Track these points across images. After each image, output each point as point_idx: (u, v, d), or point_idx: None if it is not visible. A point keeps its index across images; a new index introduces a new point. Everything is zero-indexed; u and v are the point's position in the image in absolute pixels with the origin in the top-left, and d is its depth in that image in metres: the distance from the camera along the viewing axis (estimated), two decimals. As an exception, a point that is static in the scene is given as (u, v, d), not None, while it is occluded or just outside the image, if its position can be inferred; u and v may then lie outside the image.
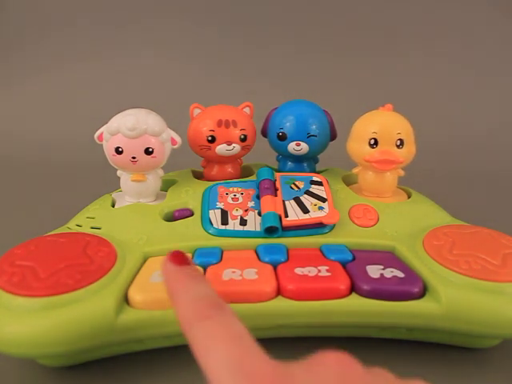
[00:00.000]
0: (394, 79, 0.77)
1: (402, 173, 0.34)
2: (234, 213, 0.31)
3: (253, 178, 0.35)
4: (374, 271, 0.26)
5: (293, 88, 0.64)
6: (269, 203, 0.30)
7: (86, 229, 0.30)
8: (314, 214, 0.30)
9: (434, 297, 0.25)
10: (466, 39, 0.77)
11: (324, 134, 0.35)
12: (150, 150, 0.31)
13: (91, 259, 0.25)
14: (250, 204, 0.32)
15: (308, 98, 0.37)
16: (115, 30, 0.78)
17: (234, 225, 0.30)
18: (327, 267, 0.26)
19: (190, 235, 0.30)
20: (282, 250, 0.28)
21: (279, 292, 0.25)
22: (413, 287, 0.25)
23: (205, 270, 0.26)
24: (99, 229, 0.30)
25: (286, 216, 0.30)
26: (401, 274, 0.26)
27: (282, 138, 0.35)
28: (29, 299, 0.22)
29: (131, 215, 0.31)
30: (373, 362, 0.18)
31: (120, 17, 0.78)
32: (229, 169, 0.36)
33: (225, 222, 0.30)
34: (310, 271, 0.26)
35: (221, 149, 0.34)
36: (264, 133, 0.37)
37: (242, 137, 0.34)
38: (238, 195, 0.32)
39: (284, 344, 0.24)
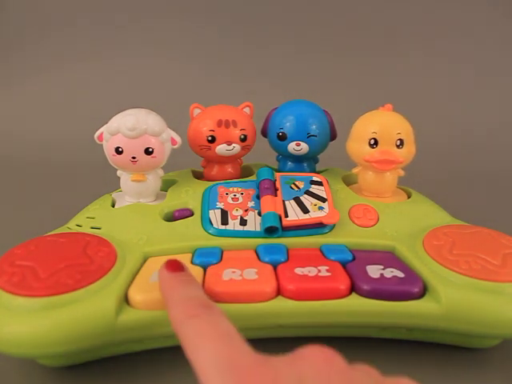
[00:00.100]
0: (394, 79, 0.76)
1: (401, 173, 0.34)
2: (234, 213, 0.31)
3: (253, 178, 0.35)
4: (373, 271, 0.26)
5: (293, 88, 0.64)
6: (269, 203, 0.30)
7: (86, 229, 0.30)
8: (314, 214, 0.30)
9: (433, 297, 0.25)
10: (466, 39, 0.77)
11: (324, 133, 0.35)
12: (150, 150, 0.31)
13: (91, 259, 0.25)
14: (250, 204, 0.32)
15: (308, 98, 0.37)
16: (115, 30, 0.78)
17: (234, 225, 0.30)
18: (327, 267, 0.26)
19: (190, 235, 0.30)
20: (282, 249, 0.28)
21: (279, 292, 0.25)
22: (413, 287, 0.25)
23: (205, 270, 0.26)
24: (99, 229, 0.30)
25: (286, 216, 0.30)
26: (401, 274, 0.26)
27: (282, 138, 0.35)
28: (29, 299, 0.22)
29: (131, 215, 0.31)
30: (373, 362, 0.18)
31: (120, 17, 0.78)
32: (229, 169, 0.36)
33: (225, 221, 0.30)
34: (310, 271, 0.26)
35: (221, 149, 0.34)
36: (264, 133, 0.37)
37: (242, 137, 0.34)
38: (238, 195, 0.32)
39: (284, 344, 0.24)
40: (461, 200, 0.48)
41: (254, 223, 0.30)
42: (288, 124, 0.35)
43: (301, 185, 0.33)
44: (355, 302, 0.25)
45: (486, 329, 0.24)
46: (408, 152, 0.32)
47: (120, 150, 0.31)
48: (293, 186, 0.33)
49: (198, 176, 0.37)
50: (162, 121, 0.32)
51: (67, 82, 0.77)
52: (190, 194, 0.33)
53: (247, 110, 0.36)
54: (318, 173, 0.37)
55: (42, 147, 0.68)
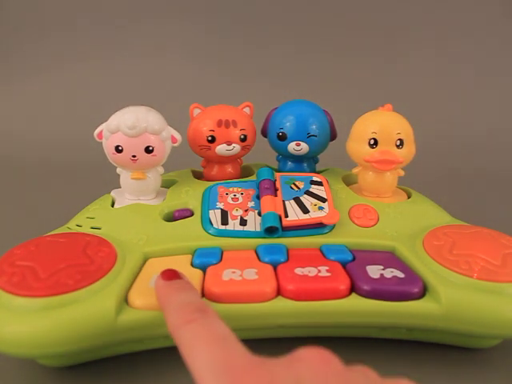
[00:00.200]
0: (394, 79, 0.76)
1: (401, 173, 0.34)
2: (234, 213, 0.31)
3: (253, 178, 0.35)
4: (373, 271, 0.26)
5: (293, 88, 0.64)
6: (269, 203, 0.30)
7: (86, 229, 0.30)
8: (314, 214, 0.30)
9: (433, 297, 0.25)
10: (466, 39, 0.77)
11: (324, 134, 0.35)
12: (151, 148, 0.31)
13: (91, 259, 0.25)
14: (250, 204, 0.32)
15: (308, 98, 0.37)
16: (115, 29, 0.78)
17: (233, 225, 0.30)
18: (327, 267, 0.26)
19: (190, 235, 0.30)
20: (282, 250, 0.28)
21: (279, 292, 0.25)
22: (413, 287, 0.25)
23: (205, 270, 0.26)
24: (99, 229, 0.30)
25: (286, 216, 0.30)
26: (401, 275, 0.26)
27: (282, 138, 0.35)
28: (29, 299, 0.22)
29: (131, 215, 0.31)
30: (373, 362, 0.18)
31: (120, 17, 0.78)
32: (229, 169, 0.36)
33: (225, 222, 0.30)
34: (310, 271, 0.26)
35: (221, 149, 0.34)
36: (264, 133, 0.37)
37: (242, 137, 0.34)
38: (237, 195, 0.32)
39: (283, 344, 0.24)
40: (461, 200, 0.48)
41: (254, 223, 0.30)
42: (288, 124, 0.35)
43: (301, 185, 0.33)
44: (355, 302, 0.25)
45: (486, 329, 0.24)
46: (408, 152, 0.32)
47: (120, 148, 0.31)
48: (293, 186, 0.33)
49: (198, 176, 0.37)
50: (162, 118, 0.32)
51: (67, 82, 0.77)
52: (190, 194, 0.33)
53: (247, 109, 0.36)
54: (318, 173, 0.37)
55: (41, 147, 0.68)
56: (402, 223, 0.31)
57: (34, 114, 0.75)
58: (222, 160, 0.36)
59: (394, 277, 0.26)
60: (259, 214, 0.31)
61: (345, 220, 0.31)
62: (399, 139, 0.32)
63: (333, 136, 0.36)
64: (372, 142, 0.32)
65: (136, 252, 0.28)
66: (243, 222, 0.30)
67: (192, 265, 0.27)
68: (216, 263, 0.27)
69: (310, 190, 0.32)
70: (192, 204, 0.32)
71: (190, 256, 0.28)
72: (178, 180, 0.36)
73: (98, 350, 0.25)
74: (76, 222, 0.31)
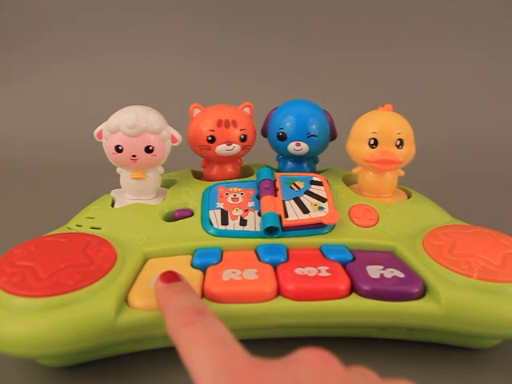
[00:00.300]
0: (394, 79, 0.76)
1: (401, 173, 0.34)
2: (234, 213, 0.31)
3: (253, 178, 0.35)
4: (373, 271, 0.26)
5: (293, 88, 0.64)
6: (269, 203, 0.30)
7: (86, 229, 0.30)
8: (314, 214, 0.30)
9: (433, 297, 0.25)
10: (468, 39, 0.77)
11: (324, 134, 0.35)
12: (151, 148, 0.31)
13: (91, 259, 0.25)
14: (250, 204, 0.32)
15: (308, 98, 0.37)
16: (115, 29, 0.78)
17: (233, 225, 0.30)
18: (327, 267, 0.26)
19: (190, 235, 0.30)
20: (282, 250, 0.28)
21: (279, 292, 0.25)
22: (413, 287, 0.25)
23: (205, 270, 0.26)
24: (99, 229, 0.30)
25: (286, 216, 0.30)
26: (401, 275, 0.26)
27: (282, 138, 0.35)
28: (29, 299, 0.22)
29: (131, 215, 0.31)
30: (373, 363, 0.19)
31: (120, 16, 0.78)
32: (229, 169, 0.36)
33: (225, 222, 0.30)
34: (310, 271, 0.26)
35: (221, 149, 0.34)
36: (264, 133, 0.37)
37: (242, 137, 0.34)
38: (237, 195, 0.32)
39: (283, 344, 0.24)
40: (461, 200, 0.48)
41: (254, 223, 0.30)
42: (288, 124, 0.35)
43: (301, 185, 0.33)
44: (355, 302, 0.25)
45: (486, 329, 0.24)
46: (408, 152, 0.32)
47: (120, 148, 0.31)
48: (293, 186, 0.33)
49: (198, 176, 0.37)
50: (162, 118, 0.32)
51: (67, 82, 0.77)
52: (190, 194, 0.33)
53: (247, 109, 0.36)
54: (318, 173, 0.37)
55: (41, 147, 0.68)
56: (402, 223, 0.31)
57: (33, 114, 0.75)
58: (222, 160, 0.36)
59: (394, 277, 0.26)
60: (259, 214, 0.31)
61: (345, 220, 0.31)
62: (399, 139, 0.32)
63: (333, 136, 0.36)
64: (372, 141, 0.32)
65: (136, 252, 0.28)
66: (243, 222, 0.30)
67: (192, 265, 0.27)
68: (216, 263, 0.27)
69: (310, 189, 0.32)
70: (192, 204, 0.32)
71: (189, 256, 0.28)
72: (177, 180, 0.36)
73: (98, 350, 0.25)
74: (76, 221, 0.31)
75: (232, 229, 0.30)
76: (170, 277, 0.23)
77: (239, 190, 0.33)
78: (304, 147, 0.35)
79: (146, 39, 0.78)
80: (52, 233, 0.29)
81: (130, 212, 0.32)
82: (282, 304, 0.24)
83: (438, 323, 0.25)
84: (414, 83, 0.76)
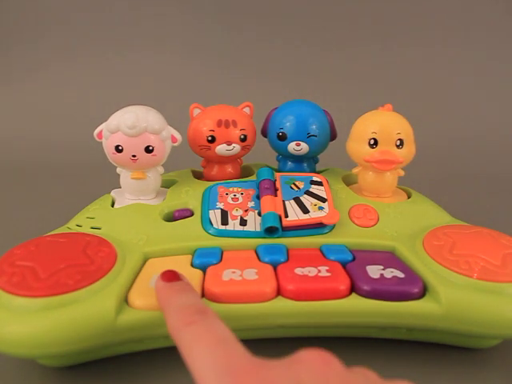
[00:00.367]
0: (395, 80, 0.76)
1: (401, 173, 0.34)
2: (234, 213, 0.31)
3: (253, 178, 0.35)
4: (373, 271, 0.26)
5: (293, 88, 0.64)
6: (269, 203, 0.30)
7: (86, 229, 0.30)
8: (314, 214, 0.30)
9: (433, 297, 0.25)
10: (468, 38, 0.77)
11: (324, 134, 0.35)
12: (151, 148, 0.31)
13: (91, 259, 0.25)
14: (250, 204, 0.32)
15: (308, 98, 0.37)
16: (115, 29, 0.78)
17: (233, 225, 0.30)
18: (327, 267, 0.26)
19: (190, 235, 0.30)
20: (282, 250, 0.28)
21: (279, 292, 0.25)
22: (413, 287, 0.25)
23: (205, 270, 0.26)
24: (99, 229, 0.30)
25: (286, 216, 0.30)
26: (401, 275, 0.26)
27: (282, 138, 0.35)
28: (29, 299, 0.22)
29: (131, 215, 0.31)
30: (373, 362, 0.19)
31: (120, 16, 0.78)
32: (229, 169, 0.36)
33: (225, 222, 0.30)
34: (310, 271, 0.26)
35: (221, 149, 0.34)
36: (264, 133, 0.37)
37: (242, 137, 0.34)
38: (237, 195, 0.32)
39: (283, 344, 0.24)
40: (461, 200, 0.48)
41: (254, 223, 0.30)
42: (288, 124, 0.35)
43: (301, 185, 0.33)
44: (355, 302, 0.25)
45: (486, 329, 0.24)
46: (408, 152, 0.32)
47: (120, 148, 0.31)
48: (293, 186, 0.33)
49: (198, 176, 0.37)
50: (162, 118, 0.32)
51: (67, 83, 0.77)
52: (190, 194, 0.33)
53: (247, 109, 0.36)
54: (318, 173, 0.37)
55: (42, 147, 0.68)
56: (402, 223, 0.31)
57: (33, 113, 0.75)
58: (222, 160, 0.36)
59: (394, 277, 0.26)
60: (259, 214, 0.31)
61: (345, 220, 0.31)
62: (399, 139, 0.32)
63: (333, 136, 0.36)
64: (372, 141, 0.32)
65: (136, 252, 0.28)
66: (243, 222, 0.30)
67: (192, 265, 0.27)
68: (216, 263, 0.27)
69: (310, 189, 0.32)
70: (192, 204, 0.32)
71: (189, 256, 0.28)
72: (178, 180, 0.36)
73: (98, 350, 0.25)
74: (76, 222, 0.31)
75: (232, 229, 0.30)
76: (171, 276, 0.23)
77: (239, 190, 0.33)
78: (304, 147, 0.35)
79: (146, 39, 0.78)
80: (52, 233, 0.29)
81: (130, 212, 0.32)
82: (282, 304, 0.24)
83: (438, 323, 0.25)
84: (414, 83, 0.76)
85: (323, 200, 0.31)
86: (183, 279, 0.23)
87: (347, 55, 0.77)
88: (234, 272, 0.26)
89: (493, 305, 0.24)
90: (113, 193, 0.35)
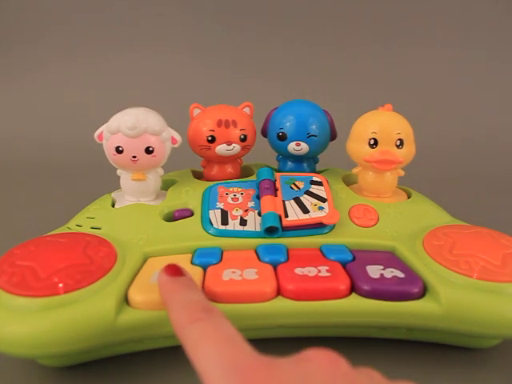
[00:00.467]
0: (395, 80, 0.76)
1: (401, 173, 0.34)
2: (234, 213, 0.31)
3: (253, 178, 0.35)
4: (373, 271, 0.26)
5: (293, 88, 0.64)
6: (269, 203, 0.30)
7: (86, 229, 0.30)
8: (314, 214, 0.30)
9: (433, 297, 0.25)
10: (468, 38, 0.77)
11: (324, 134, 0.35)
12: (151, 149, 0.31)
13: (91, 259, 0.25)
14: (250, 204, 0.32)
15: (308, 98, 0.37)
16: (115, 29, 0.78)
17: (233, 225, 0.30)
18: (327, 267, 0.26)
19: (190, 235, 0.30)
20: (281, 250, 0.28)
21: (279, 292, 0.25)
22: (413, 287, 0.25)
23: (205, 270, 0.26)
24: (99, 229, 0.30)
25: (286, 216, 0.30)
26: (401, 275, 0.26)
27: (282, 138, 0.35)
28: (29, 299, 0.22)
29: (131, 215, 0.31)
30: (373, 362, 0.19)
31: (120, 16, 0.78)
32: (229, 169, 0.36)
33: (225, 222, 0.30)
34: (310, 271, 0.26)
35: (221, 149, 0.34)
36: (264, 133, 0.37)
37: (242, 137, 0.34)
38: (237, 195, 0.32)
39: (284, 344, 0.24)
40: (461, 200, 0.48)
41: (254, 223, 0.30)
42: (288, 124, 0.35)
43: (301, 185, 0.33)
44: (355, 302, 0.25)
45: (486, 329, 0.24)
46: (408, 152, 0.32)
47: (120, 149, 0.31)
48: (293, 186, 0.33)
49: (198, 176, 0.37)
50: (162, 119, 0.32)
51: (67, 82, 0.77)
52: (190, 194, 0.33)
53: (247, 109, 0.36)
54: (318, 173, 0.37)
55: (41, 147, 0.68)
56: (402, 223, 0.31)
57: (33, 113, 0.75)
58: (222, 160, 0.36)
59: (394, 277, 0.26)
60: (259, 214, 0.31)
61: (345, 220, 0.31)
62: (399, 139, 0.32)
63: (333, 136, 0.36)
64: (372, 141, 0.32)
65: (136, 252, 0.28)
66: (243, 222, 0.30)
67: (192, 264, 0.27)
68: (216, 263, 0.27)
69: (310, 189, 0.32)
70: (192, 204, 0.32)
71: (189, 255, 0.28)
72: (178, 180, 0.36)
73: (98, 350, 0.25)
74: (76, 222, 0.31)
75: (232, 229, 0.30)
76: (175, 270, 0.23)
77: (239, 189, 0.33)
78: (304, 147, 0.35)
79: (146, 39, 0.78)
80: (52, 233, 0.29)
81: (130, 212, 0.32)
82: (282, 304, 0.24)
83: (438, 323, 0.25)
84: (414, 83, 0.76)
85: (323, 200, 0.31)
86: (187, 274, 0.23)
87: (347, 55, 0.77)
88: (234, 272, 0.26)
89: (493, 305, 0.24)
90: (113, 195, 0.35)
